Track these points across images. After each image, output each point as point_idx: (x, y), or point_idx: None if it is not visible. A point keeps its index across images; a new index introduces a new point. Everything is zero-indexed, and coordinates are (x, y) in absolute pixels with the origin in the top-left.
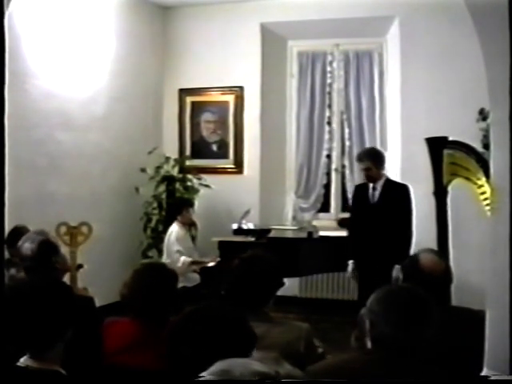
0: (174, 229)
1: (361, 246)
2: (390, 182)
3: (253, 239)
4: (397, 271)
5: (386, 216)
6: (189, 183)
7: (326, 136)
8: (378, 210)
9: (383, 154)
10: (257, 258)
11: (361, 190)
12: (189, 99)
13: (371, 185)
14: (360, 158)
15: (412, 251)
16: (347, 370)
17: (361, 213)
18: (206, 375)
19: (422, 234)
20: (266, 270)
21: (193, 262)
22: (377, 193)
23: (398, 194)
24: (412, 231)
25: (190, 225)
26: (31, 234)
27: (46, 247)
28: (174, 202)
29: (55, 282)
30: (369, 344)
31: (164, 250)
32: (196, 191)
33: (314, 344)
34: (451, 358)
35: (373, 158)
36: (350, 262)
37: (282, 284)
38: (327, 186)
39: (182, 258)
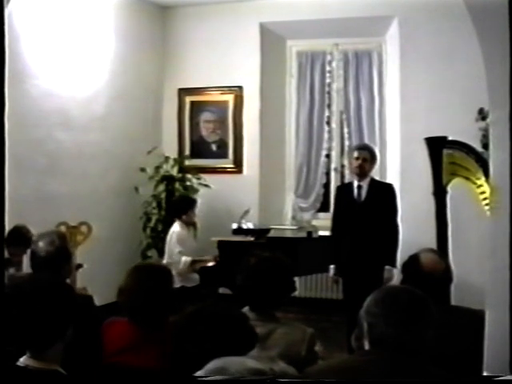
0: (176, 229)
1: (345, 248)
2: (375, 182)
3: (252, 239)
4: (388, 272)
5: (373, 215)
6: (188, 183)
7: (326, 136)
8: (365, 208)
9: (377, 156)
10: (274, 259)
11: (344, 190)
12: (188, 99)
13: (356, 183)
14: (359, 148)
15: (410, 251)
16: (346, 372)
17: (346, 212)
18: (202, 373)
19: (421, 234)
20: (280, 272)
21: (193, 262)
22: (363, 191)
23: (384, 193)
24: (399, 231)
25: (191, 224)
26: (51, 234)
27: (61, 255)
28: (181, 201)
29: (57, 281)
30: (366, 345)
31: (166, 250)
32: (195, 191)
33: (315, 350)
34: (451, 357)
35: (371, 152)
36: (332, 267)
37: (294, 289)
38: (327, 186)
39: (183, 259)
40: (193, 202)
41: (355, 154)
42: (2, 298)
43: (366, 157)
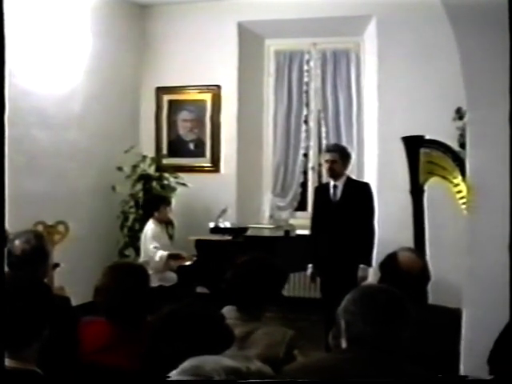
0: (150, 226)
1: (321, 246)
2: (351, 181)
3: (230, 238)
4: (362, 271)
5: (348, 214)
6: (165, 182)
7: (303, 135)
8: (340, 208)
9: (351, 154)
10: (267, 260)
11: (321, 190)
12: (166, 97)
13: (332, 183)
14: (328, 150)
15: (387, 250)
16: (323, 370)
17: (323, 212)
18: (177, 372)
19: (398, 233)
20: (272, 273)
21: (170, 256)
22: (338, 191)
23: (359, 192)
24: (374, 230)
25: (166, 223)
26: (28, 233)
27: (38, 254)
28: (151, 198)
29: (35, 280)
30: (344, 344)
31: (141, 248)
32: (173, 190)
33: (294, 353)
34: (428, 356)
35: (340, 152)
36: (309, 266)
37: (281, 296)
38: (304, 185)
39: (159, 253)
40: (163, 199)
41: (325, 157)
42: (2, 296)
43: (335, 158)
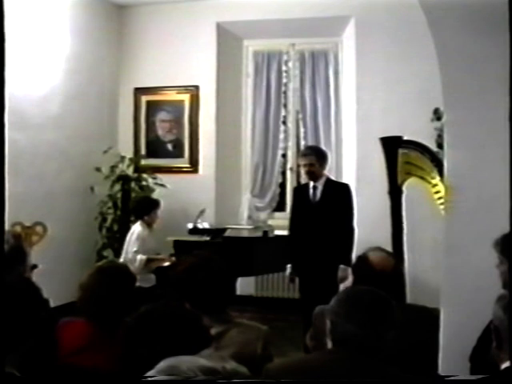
0: (137, 229)
1: (301, 247)
2: (330, 182)
3: (208, 238)
4: (342, 271)
5: (328, 215)
6: (144, 182)
7: (282, 135)
8: (320, 209)
9: (327, 153)
10: (206, 259)
11: (300, 191)
12: (144, 98)
13: (311, 184)
14: (304, 154)
15: (361, 251)
16: (307, 370)
17: (302, 213)
18: (153, 372)
19: (376, 234)
20: (219, 270)
21: (149, 260)
22: (318, 192)
23: (339, 193)
24: (354, 231)
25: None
26: (7, 234)
27: (16, 256)
28: (143, 201)
29: (28, 283)
30: (329, 344)
31: (124, 249)
32: (151, 190)
33: (270, 348)
34: (407, 355)
35: (316, 155)
36: (288, 266)
37: (234, 288)
38: (283, 185)
39: (139, 257)
40: (157, 204)
41: (301, 162)
42: (2, 295)
43: (312, 162)
